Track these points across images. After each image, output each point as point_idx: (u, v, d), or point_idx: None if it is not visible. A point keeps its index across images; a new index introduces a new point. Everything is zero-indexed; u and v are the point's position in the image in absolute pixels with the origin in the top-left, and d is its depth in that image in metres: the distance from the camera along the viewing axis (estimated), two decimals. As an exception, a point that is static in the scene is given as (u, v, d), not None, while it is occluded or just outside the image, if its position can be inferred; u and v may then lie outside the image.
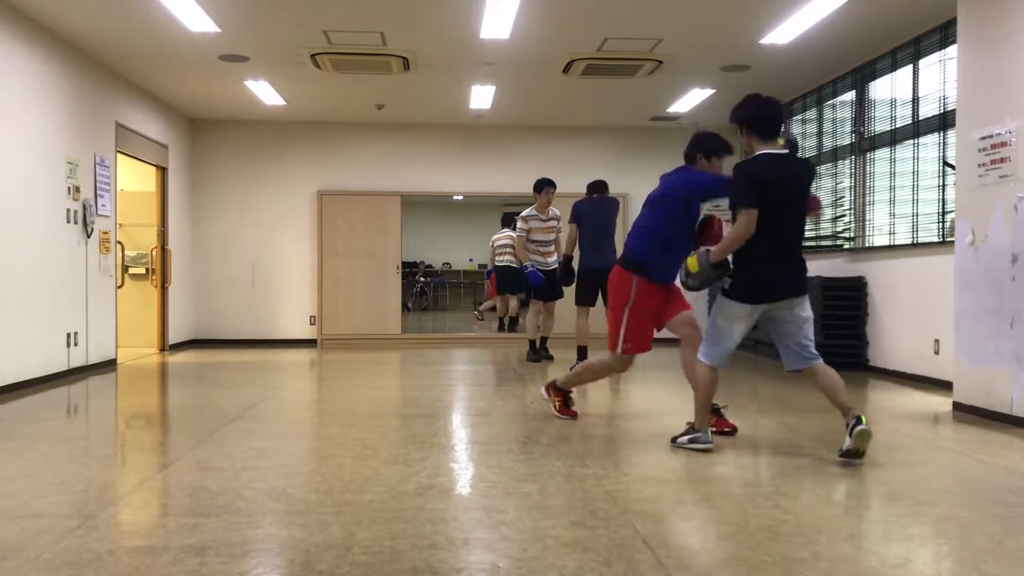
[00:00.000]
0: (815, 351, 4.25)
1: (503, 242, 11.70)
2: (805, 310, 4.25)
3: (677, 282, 4.54)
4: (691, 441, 4.34)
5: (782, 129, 4.44)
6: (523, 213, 8.55)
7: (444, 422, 5.41)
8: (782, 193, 4.14)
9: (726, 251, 4.20)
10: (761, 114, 4.27)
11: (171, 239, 10.12)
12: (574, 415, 5.23)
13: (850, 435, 3.99)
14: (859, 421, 3.98)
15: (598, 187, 7.93)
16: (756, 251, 4.14)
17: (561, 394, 5.29)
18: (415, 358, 9.45)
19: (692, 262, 4.26)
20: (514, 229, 9.02)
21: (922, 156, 7.27)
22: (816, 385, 4.23)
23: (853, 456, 4.02)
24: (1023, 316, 5.12)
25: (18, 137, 6.73)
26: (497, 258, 11.97)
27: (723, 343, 4.31)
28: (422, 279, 18.88)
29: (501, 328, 12.43)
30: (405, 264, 13.55)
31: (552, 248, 8.53)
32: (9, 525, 3.06)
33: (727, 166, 4.63)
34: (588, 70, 8.26)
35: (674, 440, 4.44)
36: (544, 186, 8.41)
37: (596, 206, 7.81)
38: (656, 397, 6.63)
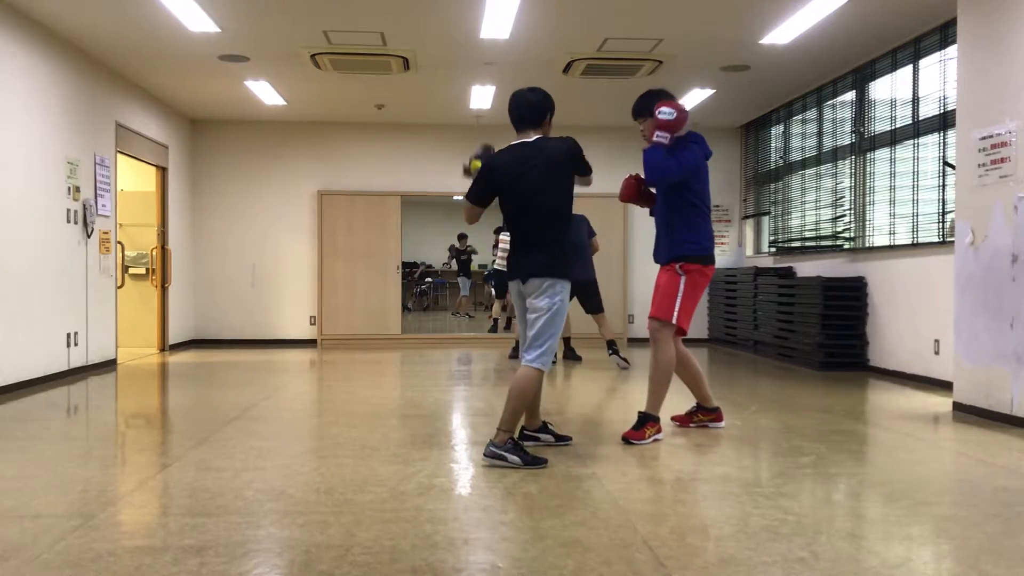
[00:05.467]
0: (528, 350, 4.16)
1: (503, 245, 11.67)
2: None
3: None
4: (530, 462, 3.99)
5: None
6: None
7: (444, 422, 5.41)
8: None
9: None
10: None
11: (171, 239, 10.12)
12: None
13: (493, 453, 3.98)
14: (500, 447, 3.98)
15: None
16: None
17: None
18: (415, 358, 9.45)
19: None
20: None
21: (922, 156, 7.27)
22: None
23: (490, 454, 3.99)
24: (1023, 316, 5.13)
25: (18, 137, 6.74)
26: (498, 262, 11.97)
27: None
28: (428, 279, 18.90)
29: (493, 329, 12.48)
30: (405, 264, 13.55)
31: None
32: (9, 525, 3.06)
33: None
34: (588, 70, 8.26)
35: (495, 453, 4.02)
36: None
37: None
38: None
